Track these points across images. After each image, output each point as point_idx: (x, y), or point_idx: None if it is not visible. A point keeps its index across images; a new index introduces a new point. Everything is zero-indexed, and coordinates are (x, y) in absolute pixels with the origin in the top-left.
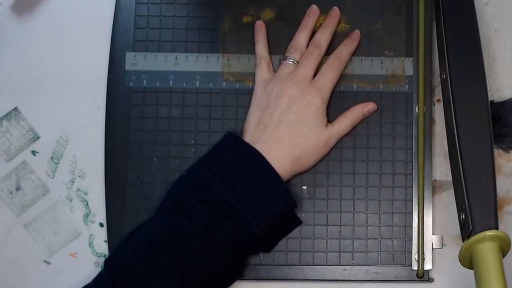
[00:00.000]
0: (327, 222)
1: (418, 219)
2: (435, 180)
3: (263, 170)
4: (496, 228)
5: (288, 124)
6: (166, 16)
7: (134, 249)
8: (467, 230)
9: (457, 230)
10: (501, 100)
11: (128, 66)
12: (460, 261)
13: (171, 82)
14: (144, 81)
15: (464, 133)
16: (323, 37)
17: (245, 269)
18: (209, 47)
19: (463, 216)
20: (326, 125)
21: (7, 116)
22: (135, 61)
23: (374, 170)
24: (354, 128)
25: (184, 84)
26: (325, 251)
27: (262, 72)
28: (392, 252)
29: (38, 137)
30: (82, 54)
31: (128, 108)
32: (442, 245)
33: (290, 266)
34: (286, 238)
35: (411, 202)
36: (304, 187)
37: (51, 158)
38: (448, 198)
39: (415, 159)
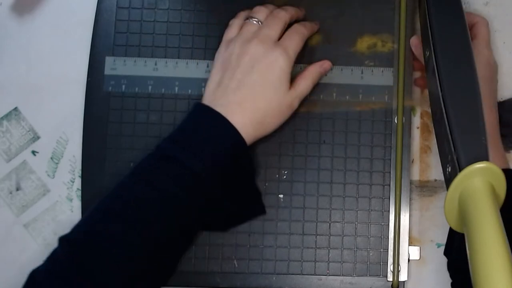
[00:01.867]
0: (303, 231)
1: (394, 230)
2: (435, 180)
3: (219, 125)
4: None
5: (250, 86)
6: (146, 21)
7: (85, 221)
8: (453, 177)
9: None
10: (501, 100)
11: (107, 71)
12: (446, 218)
13: (150, 87)
14: (123, 86)
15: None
16: (290, 8)
17: (194, 240)
18: (189, 53)
19: (449, 168)
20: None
21: (7, 116)
22: (114, 66)
23: (351, 180)
24: (332, 137)
25: (163, 90)
26: (300, 261)
27: (229, 33)
28: (368, 262)
29: (38, 137)
30: (82, 54)
31: (106, 113)
32: (420, 256)
33: (265, 274)
34: (261, 246)
35: (388, 213)
36: (281, 196)
37: (51, 158)
38: None
39: (393, 170)
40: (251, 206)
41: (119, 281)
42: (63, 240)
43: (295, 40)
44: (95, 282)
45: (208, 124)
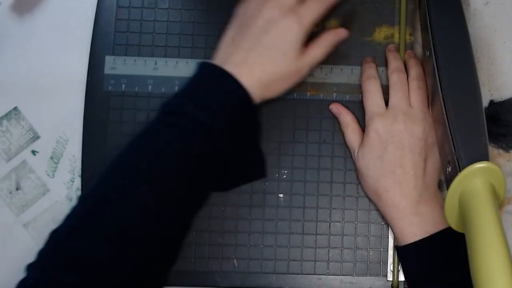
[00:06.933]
0: (303, 231)
1: None
2: None
3: (231, 87)
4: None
5: (261, 48)
6: (146, 21)
7: (101, 179)
8: (454, 177)
9: None
10: (501, 100)
11: (107, 70)
12: (446, 218)
13: (150, 86)
14: (123, 85)
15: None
16: None
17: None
18: (189, 53)
19: (450, 168)
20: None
21: (7, 116)
22: (114, 65)
23: (351, 179)
24: (332, 136)
25: (163, 89)
26: (300, 260)
27: None
28: (368, 262)
29: (38, 137)
30: (82, 53)
31: (106, 112)
32: None
33: (265, 274)
34: (261, 246)
35: None
36: (281, 195)
37: (51, 157)
38: None
39: None
40: (253, 167)
41: (137, 232)
42: (81, 197)
43: (313, 8)
44: (113, 234)
45: (216, 81)
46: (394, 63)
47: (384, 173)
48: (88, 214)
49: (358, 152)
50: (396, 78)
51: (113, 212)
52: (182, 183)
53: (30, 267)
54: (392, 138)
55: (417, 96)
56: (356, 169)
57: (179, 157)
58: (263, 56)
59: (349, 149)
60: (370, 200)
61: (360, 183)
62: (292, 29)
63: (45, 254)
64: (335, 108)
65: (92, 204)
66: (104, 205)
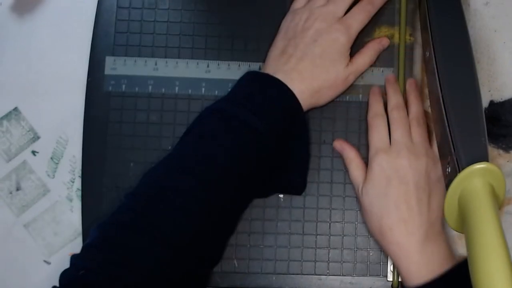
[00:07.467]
0: (303, 231)
1: None
2: None
3: (282, 95)
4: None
5: (311, 57)
6: (147, 21)
7: (149, 178)
8: (453, 177)
9: None
10: (501, 100)
11: (107, 71)
12: (446, 219)
13: (150, 87)
14: (123, 86)
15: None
16: None
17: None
18: (189, 53)
19: (449, 169)
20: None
21: (7, 116)
22: (114, 66)
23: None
24: (332, 137)
25: (163, 90)
26: (301, 260)
27: (296, 3)
28: (368, 262)
29: (38, 137)
30: (82, 54)
31: (107, 113)
32: None
33: (265, 274)
34: (261, 246)
35: None
36: (281, 196)
37: (51, 158)
38: None
39: None
40: (294, 178)
41: (191, 231)
42: (128, 195)
43: (359, 18)
44: (168, 232)
45: (267, 88)
46: (394, 99)
47: (388, 210)
48: (142, 211)
49: (362, 188)
50: (396, 115)
51: (168, 210)
52: (233, 185)
53: (77, 259)
54: (396, 173)
55: (418, 133)
56: (359, 208)
57: (233, 160)
58: (314, 63)
59: (353, 185)
60: (374, 239)
61: (364, 222)
62: (339, 39)
63: (93, 247)
64: (339, 144)
65: (145, 202)
66: (158, 204)
